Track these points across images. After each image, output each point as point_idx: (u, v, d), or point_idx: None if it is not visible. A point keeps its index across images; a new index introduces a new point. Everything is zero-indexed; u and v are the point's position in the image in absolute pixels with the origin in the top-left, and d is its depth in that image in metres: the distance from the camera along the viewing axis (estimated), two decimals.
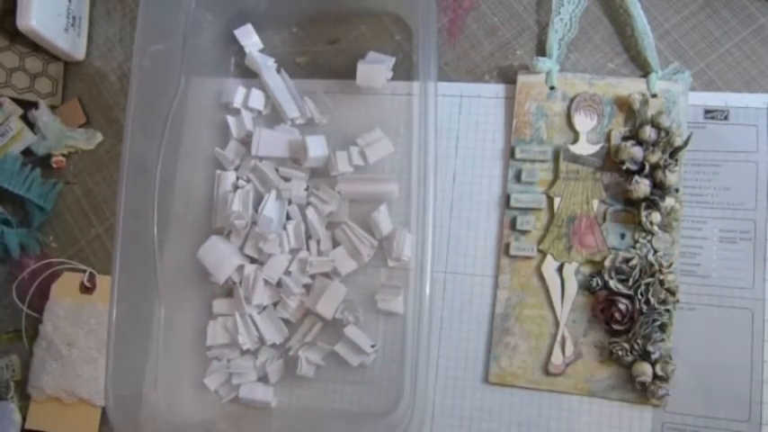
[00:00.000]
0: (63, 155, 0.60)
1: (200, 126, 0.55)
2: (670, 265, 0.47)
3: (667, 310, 0.47)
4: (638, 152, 0.48)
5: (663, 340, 0.46)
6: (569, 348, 0.49)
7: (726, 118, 0.49)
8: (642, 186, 0.47)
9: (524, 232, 0.50)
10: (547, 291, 0.50)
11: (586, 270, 0.49)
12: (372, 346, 0.50)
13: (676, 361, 0.46)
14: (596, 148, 0.50)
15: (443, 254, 0.52)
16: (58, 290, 0.57)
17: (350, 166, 0.53)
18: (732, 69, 0.50)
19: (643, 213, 0.48)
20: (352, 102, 0.55)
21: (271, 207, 0.52)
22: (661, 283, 0.47)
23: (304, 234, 0.53)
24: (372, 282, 0.52)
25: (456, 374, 0.50)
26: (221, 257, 0.52)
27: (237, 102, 0.56)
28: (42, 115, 0.58)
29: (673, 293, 0.47)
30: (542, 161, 0.51)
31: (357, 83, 0.53)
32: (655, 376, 0.46)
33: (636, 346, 0.46)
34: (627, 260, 0.48)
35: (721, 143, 0.49)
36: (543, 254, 0.50)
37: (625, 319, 0.47)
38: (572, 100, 0.51)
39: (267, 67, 0.56)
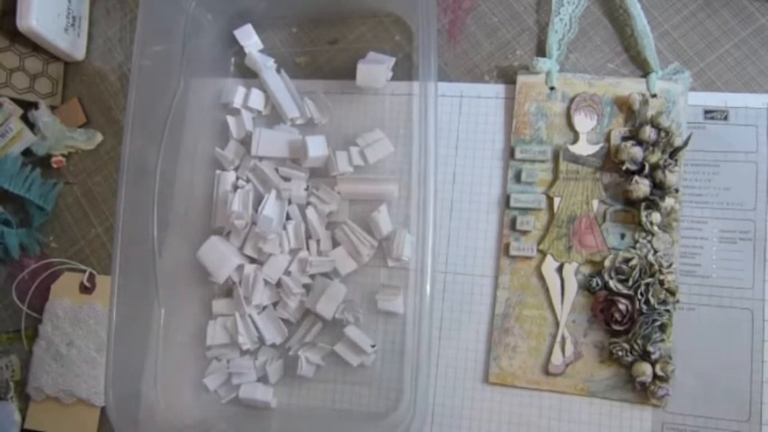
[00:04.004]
0: (63, 155, 0.60)
1: (200, 126, 0.55)
2: (670, 265, 0.47)
3: (667, 311, 0.47)
4: (637, 152, 0.48)
5: (663, 340, 0.46)
6: (569, 348, 0.49)
7: (725, 118, 0.49)
8: (642, 186, 0.47)
9: (524, 232, 0.50)
10: (547, 291, 0.50)
11: (586, 270, 0.49)
12: (372, 346, 0.50)
13: (676, 361, 0.46)
14: (596, 148, 0.50)
15: (443, 254, 0.52)
16: (57, 290, 0.57)
17: (350, 166, 0.53)
18: (732, 69, 0.50)
19: (643, 213, 0.48)
20: (352, 102, 0.55)
21: (271, 207, 0.52)
22: (661, 283, 0.47)
23: (304, 234, 0.53)
24: (372, 282, 0.52)
25: (456, 374, 0.50)
26: (221, 257, 0.52)
27: (237, 102, 0.56)
28: (42, 115, 0.58)
29: (673, 294, 0.47)
30: (542, 161, 0.51)
31: (357, 83, 0.53)
32: (655, 376, 0.46)
33: (636, 347, 0.46)
34: (627, 260, 0.48)
35: (721, 143, 0.49)
36: (543, 254, 0.50)
37: (625, 320, 0.47)
38: (572, 100, 0.51)
39: (267, 67, 0.56)
